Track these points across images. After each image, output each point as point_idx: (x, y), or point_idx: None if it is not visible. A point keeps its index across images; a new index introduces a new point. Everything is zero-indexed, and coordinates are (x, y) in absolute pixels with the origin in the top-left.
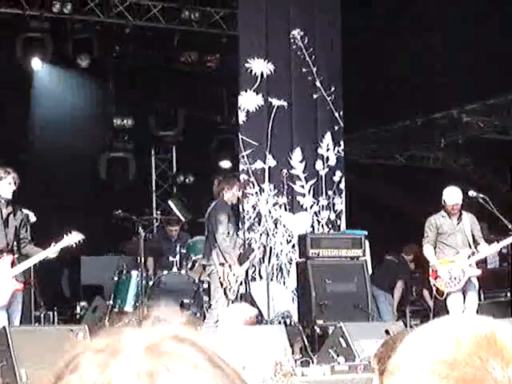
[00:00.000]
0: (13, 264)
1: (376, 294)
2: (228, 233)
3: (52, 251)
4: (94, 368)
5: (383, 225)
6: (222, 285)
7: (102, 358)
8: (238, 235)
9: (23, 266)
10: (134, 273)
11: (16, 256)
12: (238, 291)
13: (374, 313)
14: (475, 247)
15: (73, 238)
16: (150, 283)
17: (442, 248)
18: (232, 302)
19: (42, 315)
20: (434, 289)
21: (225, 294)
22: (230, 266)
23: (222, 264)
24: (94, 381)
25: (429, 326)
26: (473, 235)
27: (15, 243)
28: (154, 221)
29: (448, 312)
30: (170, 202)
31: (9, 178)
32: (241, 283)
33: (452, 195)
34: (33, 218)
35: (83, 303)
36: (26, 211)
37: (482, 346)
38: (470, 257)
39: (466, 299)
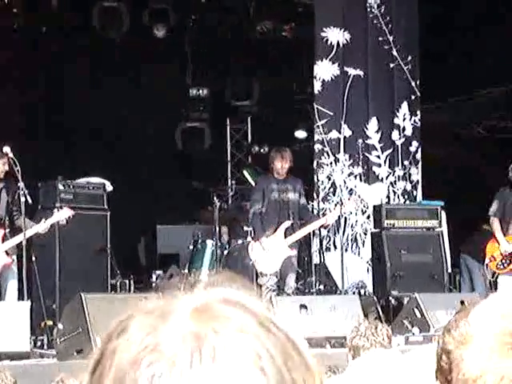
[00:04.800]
0: (4, 238)
1: (471, 266)
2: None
3: (42, 227)
4: (142, 330)
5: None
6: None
7: (150, 320)
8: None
9: (13, 241)
10: (209, 242)
11: (7, 230)
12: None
13: (466, 283)
14: None
15: (63, 214)
16: (225, 252)
17: None
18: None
19: (118, 283)
20: None
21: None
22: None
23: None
24: (140, 343)
25: (501, 297)
26: None
27: (7, 218)
28: (229, 190)
29: None
30: (244, 172)
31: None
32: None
33: None
34: (109, 188)
35: (159, 272)
36: (102, 180)
37: None
38: None
39: None
